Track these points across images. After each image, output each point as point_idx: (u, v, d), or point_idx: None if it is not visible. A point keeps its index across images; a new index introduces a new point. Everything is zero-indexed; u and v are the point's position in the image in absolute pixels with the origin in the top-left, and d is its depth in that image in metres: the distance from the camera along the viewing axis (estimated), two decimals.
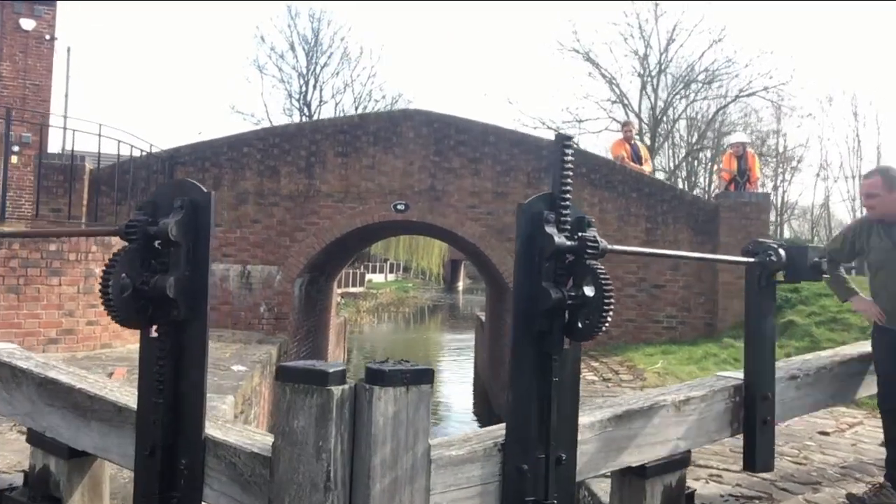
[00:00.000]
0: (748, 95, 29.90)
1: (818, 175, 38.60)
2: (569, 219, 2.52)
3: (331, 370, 2.14)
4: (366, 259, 52.39)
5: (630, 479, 3.06)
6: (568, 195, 2.53)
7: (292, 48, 34.95)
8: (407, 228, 13.90)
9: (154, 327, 2.48)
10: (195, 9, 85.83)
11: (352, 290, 45.48)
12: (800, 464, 4.82)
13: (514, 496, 2.44)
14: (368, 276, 54.54)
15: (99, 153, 10.58)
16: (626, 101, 29.66)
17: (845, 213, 37.69)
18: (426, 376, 2.20)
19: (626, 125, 13.61)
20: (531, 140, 12.14)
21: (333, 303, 18.52)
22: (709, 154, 32.61)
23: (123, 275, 2.38)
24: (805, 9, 77.15)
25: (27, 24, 17.76)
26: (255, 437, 2.60)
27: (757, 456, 3.33)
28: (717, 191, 16.85)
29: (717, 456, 4.83)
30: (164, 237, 2.40)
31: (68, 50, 23.56)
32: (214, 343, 9.40)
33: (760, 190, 13.26)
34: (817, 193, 65.60)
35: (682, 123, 32.10)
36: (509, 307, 12.05)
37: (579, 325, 2.45)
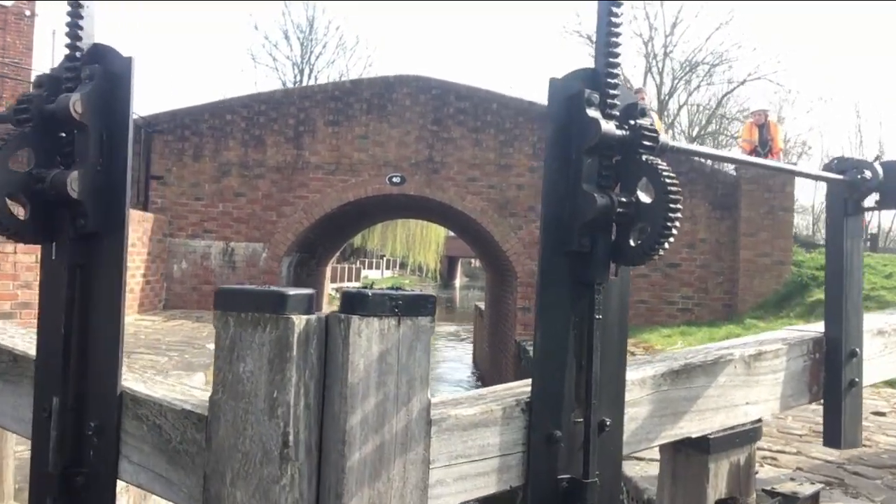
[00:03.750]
0: (757, 79, 29.44)
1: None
2: (617, 102, 1.91)
3: (291, 292, 1.51)
4: (362, 255, 51.99)
5: (688, 455, 2.39)
6: (616, 71, 1.95)
7: (286, 37, 34.35)
8: (403, 205, 13.26)
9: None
10: None
11: (346, 285, 45.13)
12: (864, 446, 4.14)
13: (543, 473, 1.83)
14: (364, 273, 54.17)
15: None
16: (629, 86, 29.04)
17: None
18: (425, 305, 1.60)
19: (638, 92, 12.70)
20: (537, 108, 11.41)
21: (325, 290, 17.95)
22: (713, 141, 32.13)
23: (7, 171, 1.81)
24: (805, 6, 77.01)
25: None
26: (193, 393, 1.94)
27: (844, 428, 2.66)
28: None
29: (765, 437, 4.15)
30: (66, 117, 1.80)
31: (53, 33, 22.95)
32: (193, 323, 8.89)
33: (784, 161, 12.56)
34: (819, 189, 64.99)
35: (686, 110, 31.65)
36: (513, 289, 11.59)
37: (631, 243, 1.85)
